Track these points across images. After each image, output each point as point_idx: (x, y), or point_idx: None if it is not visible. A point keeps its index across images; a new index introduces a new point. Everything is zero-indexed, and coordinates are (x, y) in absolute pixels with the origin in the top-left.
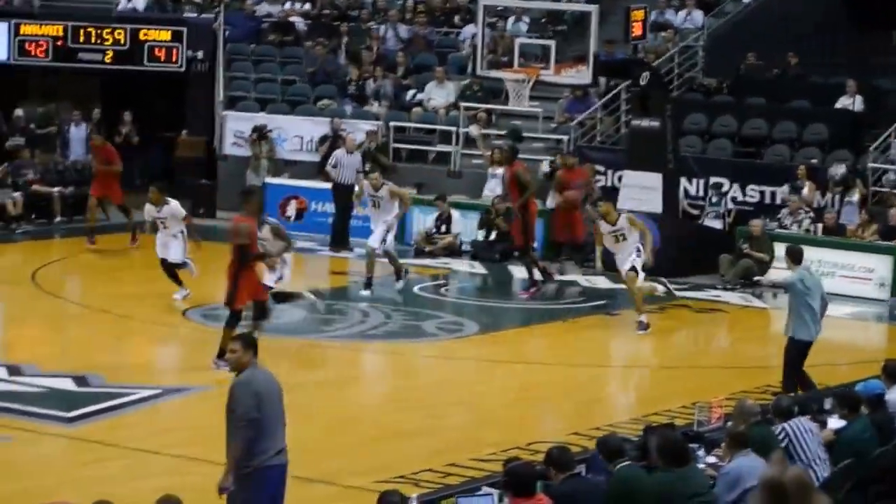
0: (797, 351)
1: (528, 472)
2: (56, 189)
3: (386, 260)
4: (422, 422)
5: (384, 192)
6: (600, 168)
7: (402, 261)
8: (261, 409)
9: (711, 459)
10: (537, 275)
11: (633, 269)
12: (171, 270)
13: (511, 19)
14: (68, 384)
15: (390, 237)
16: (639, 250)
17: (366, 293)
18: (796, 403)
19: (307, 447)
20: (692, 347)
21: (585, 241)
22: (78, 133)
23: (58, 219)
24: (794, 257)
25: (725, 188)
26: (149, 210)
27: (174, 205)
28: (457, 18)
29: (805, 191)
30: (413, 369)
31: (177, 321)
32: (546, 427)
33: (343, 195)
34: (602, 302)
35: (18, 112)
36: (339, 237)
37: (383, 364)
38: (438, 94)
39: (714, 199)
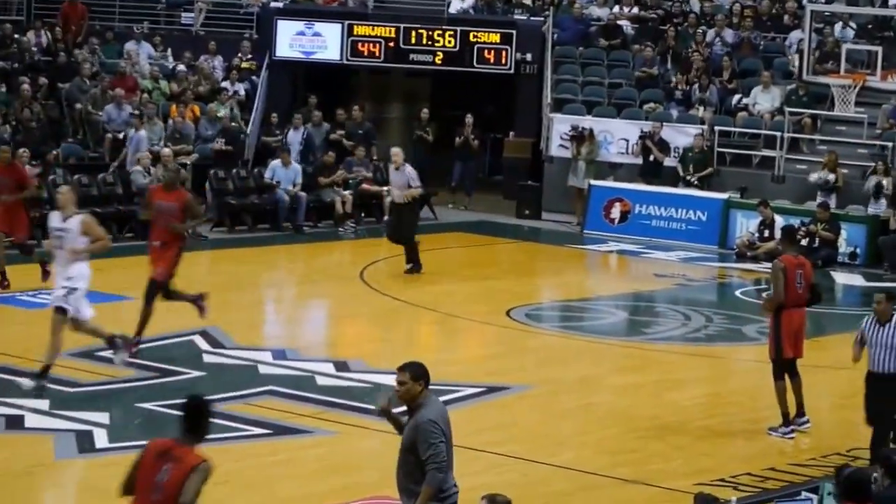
0: None
1: (865, 477)
2: (386, 188)
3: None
4: (741, 426)
5: (74, 223)
6: None
7: (718, 265)
8: (449, 445)
9: None
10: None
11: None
12: None
13: (838, 25)
14: (395, 381)
15: (76, 298)
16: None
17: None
18: None
19: (629, 448)
20: None
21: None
22: (296, 137)
23: (386, 217)
24: None
25: None
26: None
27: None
28: (785, 18)
29: None
30: (733, 373)
31: (500, 320)
32: (866, 434)
33: (392, 216)
34: None
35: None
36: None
37: (704, 367)
38: (764, 99)
39: None
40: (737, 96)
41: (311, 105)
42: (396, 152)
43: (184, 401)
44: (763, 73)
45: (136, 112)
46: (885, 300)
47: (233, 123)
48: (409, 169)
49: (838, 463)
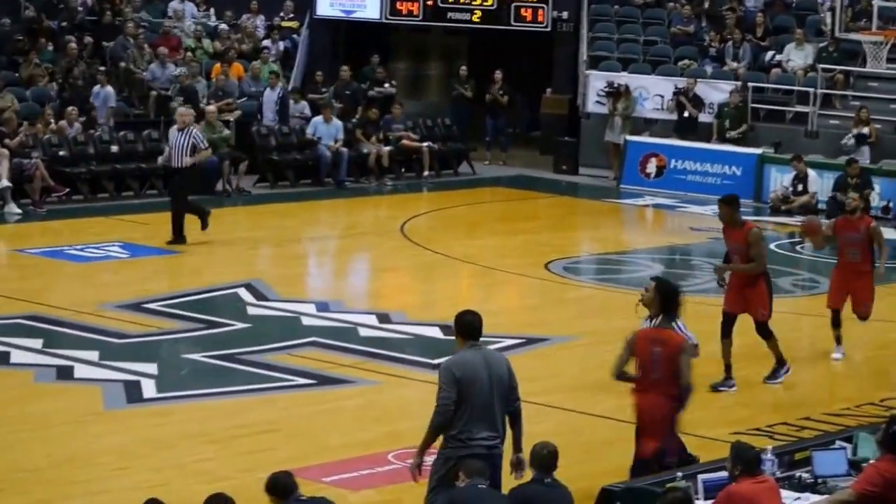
0: None
1: None
2: (426, 144)
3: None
4: None
5: None
6: None
7: (753, 218)
8: (464, 397)
9: None
10: None
11: None
12: None
13: None
14: (435, 332)
15: None
16: None
17: None
18: None
19: None
20: None
21: None
22: (271, 97)
23: (426, 173)
24: None
25: None
26: None
27: None
28: None
29: None
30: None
31: (538, 273)
32: None
33: (174, 181)
34: None
35: None
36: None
37: (740, 319)
38: (797, 56)
39: None
40: (770, 53)
41: (374, 63)
42: (184, 112)
43: (662, 287)
44: (796, 31)
45: (103, 69)
46: (652, 288)
47: (271, 84)
48: (195, 131)
49: (872, 413)
